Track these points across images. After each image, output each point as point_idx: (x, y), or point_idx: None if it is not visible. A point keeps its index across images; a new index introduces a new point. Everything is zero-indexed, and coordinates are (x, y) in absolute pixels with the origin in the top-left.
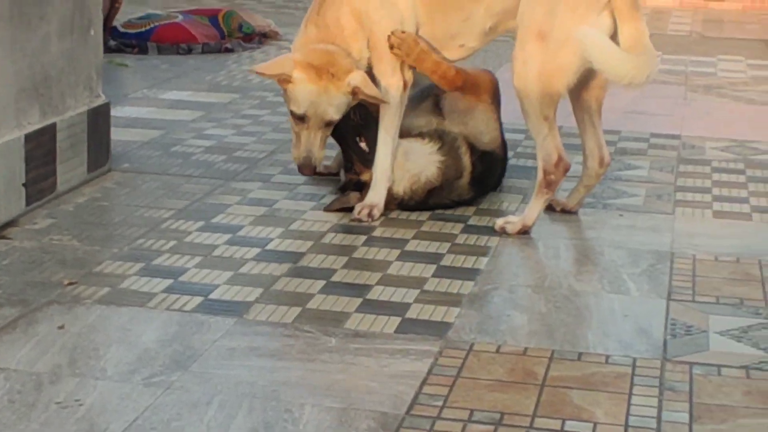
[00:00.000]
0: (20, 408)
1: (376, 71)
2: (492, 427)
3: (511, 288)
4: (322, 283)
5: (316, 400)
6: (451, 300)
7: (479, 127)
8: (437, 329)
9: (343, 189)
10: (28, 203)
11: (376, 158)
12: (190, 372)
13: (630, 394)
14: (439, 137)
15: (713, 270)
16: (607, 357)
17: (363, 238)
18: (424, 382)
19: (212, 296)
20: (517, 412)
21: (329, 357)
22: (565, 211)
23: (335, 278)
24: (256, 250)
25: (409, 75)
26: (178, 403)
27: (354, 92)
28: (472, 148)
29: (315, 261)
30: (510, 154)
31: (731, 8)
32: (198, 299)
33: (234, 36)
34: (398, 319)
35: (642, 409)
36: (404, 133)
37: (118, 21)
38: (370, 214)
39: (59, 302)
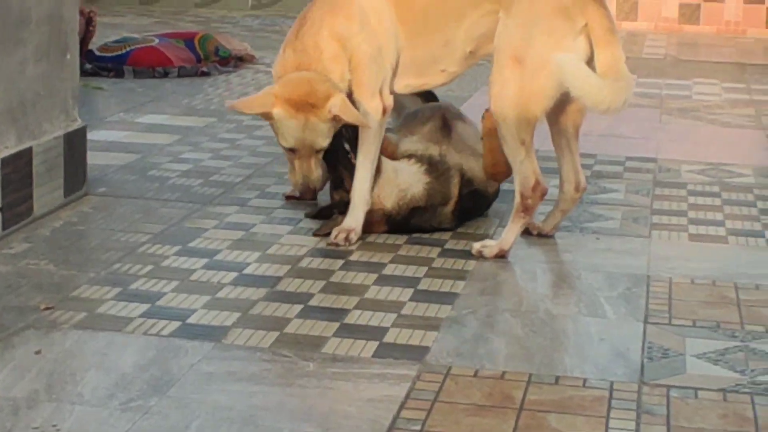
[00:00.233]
0: None
1: (356, 95)
2: None
3: (488, 312)
4: (299, 307)
5: (294, 425)
6: (429, 324)
7: (481, 169)
8: (415, 353)
9: (330, 209)
10: (4, 227)
11: (354, 182)
12: (168, 397)
13: (607, 418)
14: (429, 162)
15: (689, 293)
16: (585, 380)
17: (340, 262)
18: (401, 407)
19: (190, 321)
20: None
21: (307, 381)
22: (541, 235)
23: (313, 302)
24: (233, 275)
25: (389, 100)
26: (155, 428)
27: (335, 118)
28: (465, 181)
29: (292, 285)
30: None
31: (706, 31)
32: (175, 324)
33: (210, 59)
34: (376, 344)
35: None
36: (399, 155)
37: (94, 44)
38: (347, 238)
39: (36, 327)
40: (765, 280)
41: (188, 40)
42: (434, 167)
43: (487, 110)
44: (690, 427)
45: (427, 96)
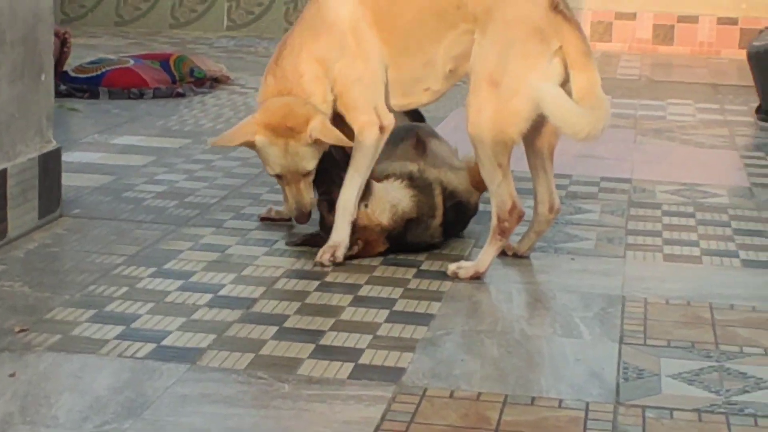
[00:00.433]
0: None
1: (347, 118)
2: None
3: (463, 333)
4: (274, 329)
5: None
6: (404, 345)
7: (460, 182)
8: (390, 375)
9: (316, 236)
10: None
11: (340, 196)
12: (143, 419)
13: None
14: (410, 178)
15: (664, 313)
16: (560, 401)
17: (316, 283)
18: (377, 428)
19: (164, 343)
20: None
21: (282, 403)
22: (516, 256)
23: (288, 324)
24: (208, 296)
25: (388, 118)
26: None
27: (317, 142)
28: (448, 194)
29: (268, 307)
30: None
31: (680, 52)
32: (150, 346)
33: (185, 81)
34: (351, 365)
35: None
36: (376, 177)
37: (69, 66)
38: (333, 256)
39: (10, 350)
40: (739, 300)
41: (163, 61)
42: (415, 182)
43: None
44: None
45: (413, 115)
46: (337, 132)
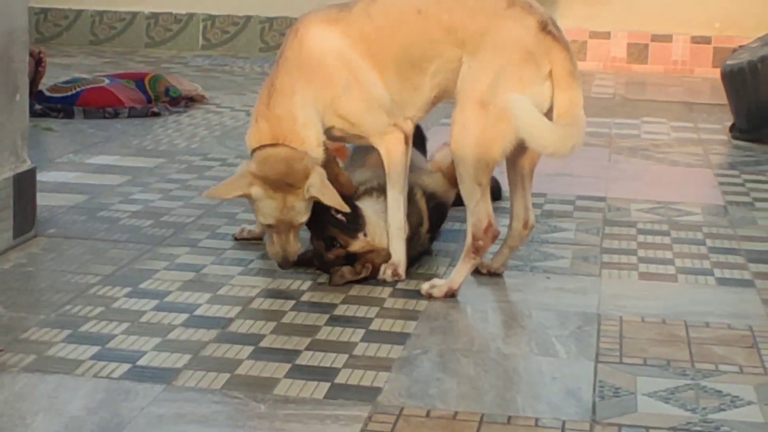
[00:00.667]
0: None
1: (371, 142)
2: None
3: (440, 352)
4: (250, 348)
5: None
6: (381, 365)
7: (437, 183)
8: (367, 394)
9: (325, 266)
10: None
11: (388, 217)
12: None
13: None
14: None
15: (640, 331)
16: (537, 420)
17: (291, 303)
18: None
19: (140, 363)
20: None
21: (259, 423)
22: (491, 273)
23: (264, 344)
24: (184, 316)
25: (408, 126)
26: None
27: (312, 198)
28: (429, 195)
29: (243, 326)
30: None
31: (654, 71)
32: (126, 366)
33: (160, 100)
34: (327, 385)
35: None
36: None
37: (44, 85)
38: (395, 273)
39: None
40: (714, 317)
41: (138, 80)
42: None
43: None
44: None
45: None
46: (333, 191)
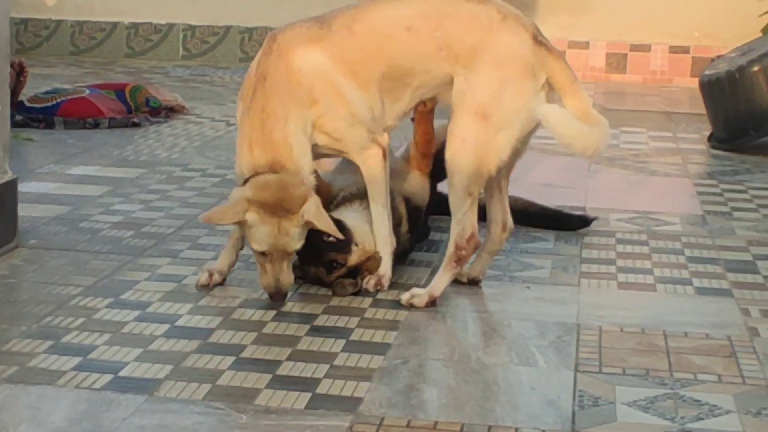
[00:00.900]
0: None
1: (352, 158)
2: None
3: (420, 362)
4: (232, 359)
5: None
6: (361, 375)
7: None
8: (347, 404)
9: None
10: None
11: (375, 232)
12: None
13: None
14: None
15: (619, 341)
16: (517, 429)
17: (272, 313)
18: None
19: (122, 373)
20: None
21: None
22: (471, 281)
23: (245, 354)
24: (165, 327)
25: (385, 140)
26: None
27: (307, 223)
28: (406, 199)
29: (225, 337)
30: None
31: (632, 81)
32: (108, 377)
33: (141, 110)
34: (308, 395)
35: None
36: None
37: (25, 95)
38: (378, 284)
39: None
40: (693, 327)
41: (119, 91)
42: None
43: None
44: None
45: None
46: (327, 218)
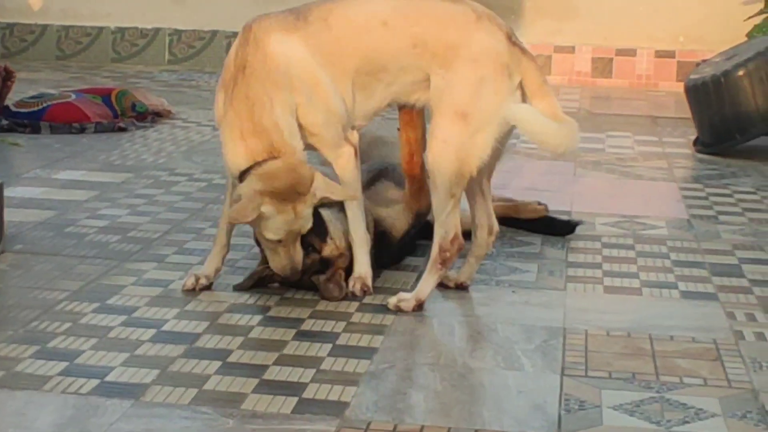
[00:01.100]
0: None
1: (324, 154)
2: None
3: (407, 366)
4: (218, 363)
5: None
6: (348, 379)
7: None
8: (334, 408)
9: (262, 276)
10: None
11: (352, 233)
12: None
13: None
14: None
15: (605, 345)
16: None
17: (259, 318)
18: None
19: (108, 378)
20: None
21: None
22: (458, 286)
23: (231, 359)
24: (151, 331)
25: (355, 138)
26: None
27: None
28: (376, 221)
29: (211, 341)
30: None
31: (618, 85)
32: (94, 382)
33: (127, 115)
34: (295, 399)
35: None
36: None
37: (10, 100)
38: (364, 286)
39: None
40: (679, 331)
41: (105, 95)
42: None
43: (403, 108)
44: None
45: None
46: (337, 187)
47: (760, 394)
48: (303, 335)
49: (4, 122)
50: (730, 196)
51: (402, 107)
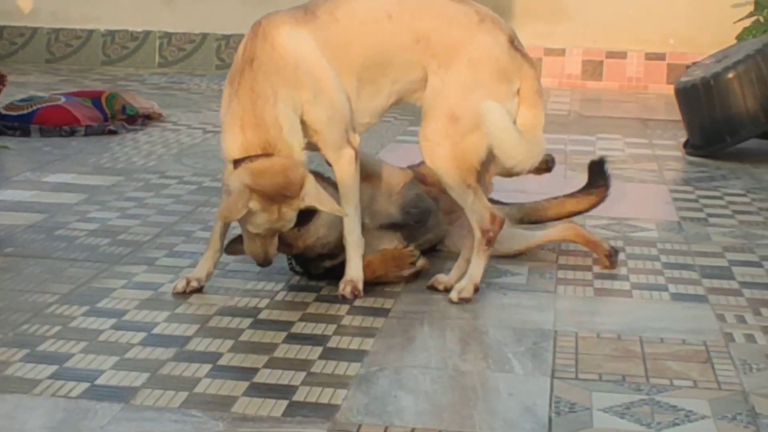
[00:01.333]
0: None
1: (325, 154)
2: None
3: (397, 369)
4: (208, 366)
5: None
6: (338, 382)
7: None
8: (324, 412)
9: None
10: None
11: (345, 233)
12: None
13: None
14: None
15: (595, 347)
16: None
17: (249, 321)
18: None
19: (98, 382)
20: None
21: None
22: (447, 290)
23: (222, 362)
24: (142, 335)
25: (357, 141)
26: None
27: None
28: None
29: (201, 345)
30: None
31: (609, 87)
32: (84, 385)
33: (117, 118)
34: (285, 402)
35: None
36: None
37: (0, 103)
38: (354, 290)
39: None
40: (669, 333)
41: (95, 98)
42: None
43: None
44: None
45: None
46: (327, 197)
47: (750, 396)
48: (293, 338)
49: None
50: (720, 198)
51: None
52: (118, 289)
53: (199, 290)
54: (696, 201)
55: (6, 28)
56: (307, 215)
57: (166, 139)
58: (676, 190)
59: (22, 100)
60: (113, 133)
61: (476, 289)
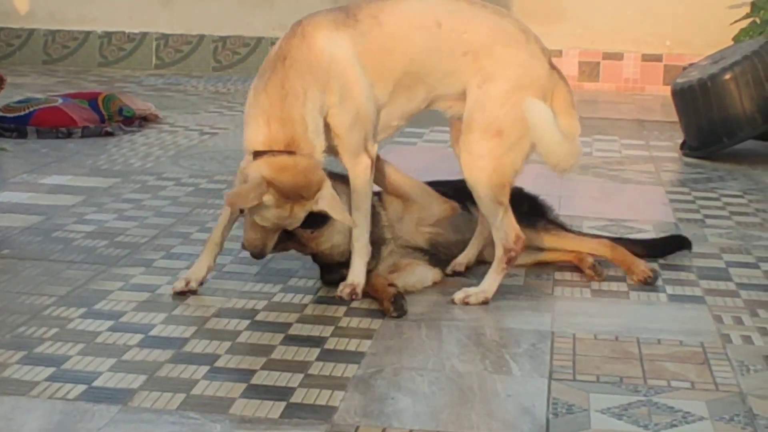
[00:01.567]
0: None
1: (342, 158)
2: None
3: (395, 370)
4: (206, 368)
5: None
6: (336, 383)
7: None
8: (322, 413)
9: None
10: None
11: (352, 239)
12: None
13: None
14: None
15: (593, 349)
16: None
17: (246, 322)
18: None
19: (95, 384)
20: None
21: None
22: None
23: (219, 363)
24: (139, 337)
25: (374, 150)
26: None
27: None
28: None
29: (199, 346)
30: None
31: (605, 89)
32: (81, 387)
33: (114, 119)
34: (283, 404)
35: None
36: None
37: None
38: (353, 293)
39: None
40: (666, 334)
41: (92, 100)
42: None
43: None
44: None
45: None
46: (340, 205)
47: (747, 397)
48: (291, 340)
49: None
50: (717, 199)
51: (453, 121)
52: (115, 291)
53: (194, 292)
54: (693, 202)
55: (3, 30)
56: (321, 217)
57: (163, 140)
58: (673, 191)
59: (18, 102)
60: (110, 134)
61: (485, 302)
